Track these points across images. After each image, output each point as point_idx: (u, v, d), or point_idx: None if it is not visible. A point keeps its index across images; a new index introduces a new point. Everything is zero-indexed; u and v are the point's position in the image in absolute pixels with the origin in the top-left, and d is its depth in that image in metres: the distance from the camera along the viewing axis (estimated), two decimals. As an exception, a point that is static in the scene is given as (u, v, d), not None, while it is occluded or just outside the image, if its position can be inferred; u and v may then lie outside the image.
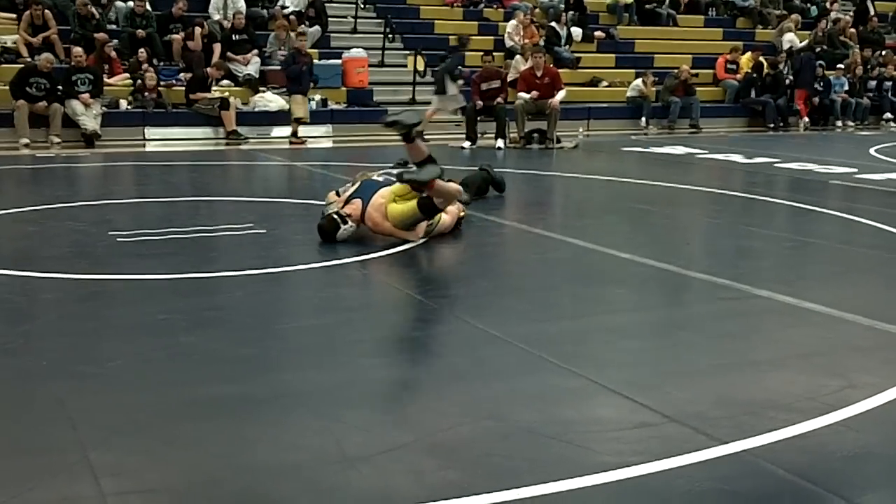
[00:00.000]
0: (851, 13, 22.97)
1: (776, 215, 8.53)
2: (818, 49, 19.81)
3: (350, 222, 6.47)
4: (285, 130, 14.72)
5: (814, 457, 3.17)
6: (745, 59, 18.99)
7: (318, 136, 15.06)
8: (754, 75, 18.50)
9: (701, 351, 4.37)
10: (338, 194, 7.00)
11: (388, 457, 3.09)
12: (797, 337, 4.60)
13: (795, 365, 4.14)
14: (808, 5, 22.75)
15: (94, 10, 15.17)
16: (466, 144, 13.86)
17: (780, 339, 4.60)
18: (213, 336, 4.46)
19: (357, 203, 6.58)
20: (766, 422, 3.39)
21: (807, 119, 18.27)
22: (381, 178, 6.85)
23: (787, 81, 18.81)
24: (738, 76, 18.77)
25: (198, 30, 15.27)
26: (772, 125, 17.98)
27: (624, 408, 3.55)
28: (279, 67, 15.52)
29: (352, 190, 6.77)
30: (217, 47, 15.41)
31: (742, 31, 21.44)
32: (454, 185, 6.77)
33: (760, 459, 3.10)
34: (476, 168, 8.94)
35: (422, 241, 6.51)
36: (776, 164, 11.90)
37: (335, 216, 6.50)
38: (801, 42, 20.48)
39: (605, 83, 18.07)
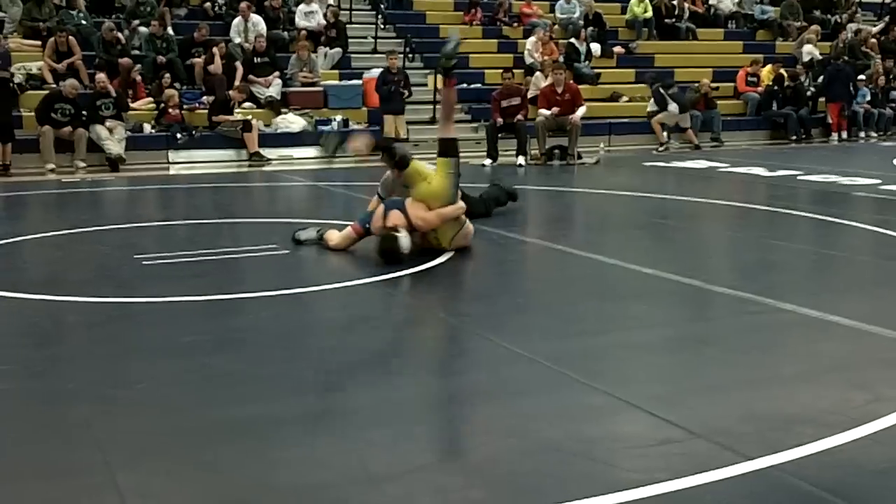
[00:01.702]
0: (876, 23, 22.85)
1: (800, 228, 8.48)
2: (840, 60, 19.75)
3: (402, 230, 6.50)
4: (307, 151, 14.82)
5: (841, 472, 3.14)
6: (766, 72, 18.94)
7: (340, 157, 15.11)
8: (775, 87, 18.45)
9: (726, 366, 4.35)
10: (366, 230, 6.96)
11: (413, 476, 3.09)
12: (823, 351, 4.58)
13: (822, 379, 4.12)
14: (829, 17, 22.64)
15: (119, 35, 15.36)
16: (487, 162, 13.88)
17: (805, 353, 4.57)
18: (238, 357, 4.48)
19: (396, 213, 6.61)
20: (793, 437, 3.37)
21: (841, 133, 18.23)
22: (395, 198, 6.92)
23: (809, 93, 18.79)
24: (759, 89, 18.71)
25: (216, 51, 15.40)
26: (794, 137, 17.92)
27: (649, 424, 3.54)
28: (300, 88, 15.68)
29: (380, 211, 6.76)
30: (239, 70, 15.53)
31: (762, 43, 21.37)
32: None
33: (787, 475, 3.08)
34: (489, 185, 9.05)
35: (444, 258, 6.51)
36: (799, 177, 11.84)
37: (390, 233, 6.48)
38: (820, 54, 20.42)
39: (625, 98, 18.06)
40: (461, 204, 6.77)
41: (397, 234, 6.43)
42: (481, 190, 8.76)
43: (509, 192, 8.88)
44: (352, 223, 6.95)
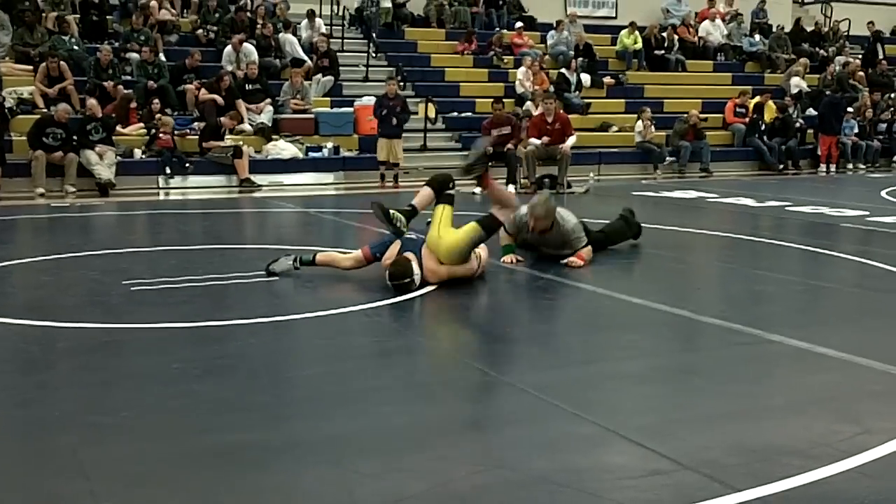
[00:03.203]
0: (860, 57, 23.10)
1: (788, 259, 8.52)
2: (828, 92, 19.95)
3: (416, 267, 6.47)
4: (298, 178, 14.86)
5: (829, 504, 3.15)
6: (753, 102, 19.10)
7: (330, 183, 15.17)
8: (755, 116, 18.60)
9: (714, 397, 4.36)
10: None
11: (401, 506, 3.08)
12: (811, 382, 4.59)
13: (810, 411, 4.12)
14: (818, 50, 22.86)
15: (114, 59, 15.39)
16: (478, 190, 13.88)
17: (793, 385, 4.58)
18: (226, 384, 4.47)
19: (412, 256, 6.55)
20: (781, 468, 3.37)
21: (830, 165, 18.38)
22: (413, 235, 6.85)
23: (798, 125, 18.96)
24: (747, 120, 18.87)
25: (224, 83, 15.43)
26: (781, 167, 18.06)
27: (637, 455, 3.54)
28: (292, 115, 15.75)
29: (396, 248, 6.70)
30: (240, 105, 15.54)
31: (751, 75, 21.56)
32: (507, 190, 6.83)
33: (775, 507, 3.08)
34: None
35: (431, 287, 6.51)
36: (787, 208, 11.91)
37: (406, 259, 6.46)
38: (808, 86, 20.61)
39: (615, 128, 18.17)
40: (473, 265, 6.71)
41: (412, 262, 6.44)
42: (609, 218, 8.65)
43: (635, 230, 8.61)
44: (362, 247, 6.97)
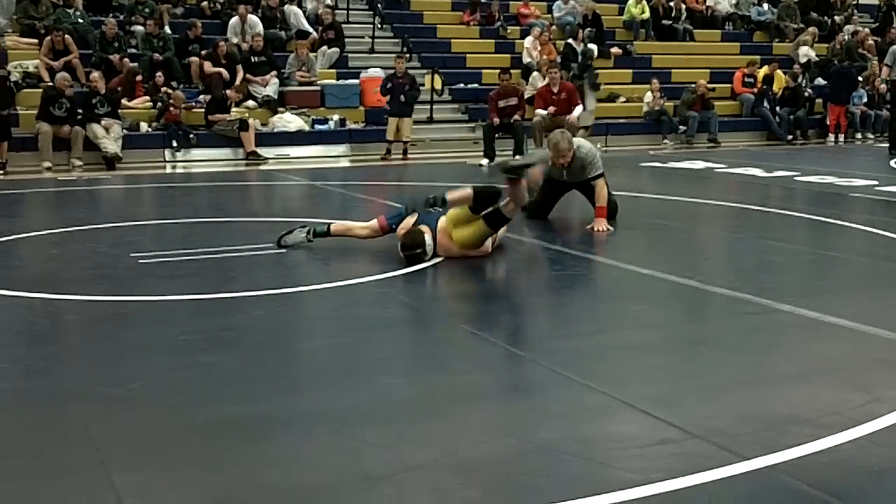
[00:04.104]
0: (870, 26, 22.90)
1: (797, 229, 8.48)
2: (837, 61, 19.80)
3: (429, 239, 6.45)
4: (304, 150, 14.84)
5: (839, 472, 3.14)
6: (763, 73, 18.98)
7: (336, 156, 15.13)
8: (764, 86, 18.49)
9: (723, 366, 4.35)
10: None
11: (410, 476, 3.08)
12: (820, 351, 4.57)
13: (819, 380, 4.12)
14: (826, 19, 22.67)
15: (118, 31, 15.35)
16: (484, 162, 13.88)
17: (802, 354, 4.57)
18: (234, 356, 4.47)
19: (426, 228, 6.51)
20: (790, 437, 3.37)
21: (837, 135, 18.24)
22: (431, 209, 6.77)
23: (807, 94, 18.84)
24: (756, 90, 18.76)
25: (219, 50, 15.37)
26: (791, 138, 17.98)
27: (645, 424, 3.54)
28: (298, 88, 15.71)
29: (412, 220, 6.64)
30: (240, 71, 15.49)
31: (759, 44, 21.41)
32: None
33: (784, 475, 3.08)
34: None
35: (440, 259, 6.50)
36: (796, 178, 11.85)
37: (419, 230, 6.44)
38: (816, 55, 20.46)
39: (622, 99, 18.08)
40: (486, 247, 6.67)
41: (425, 234, 6.42)
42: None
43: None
44: (378, 217, 6.95)
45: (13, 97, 13.94)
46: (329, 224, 7.15)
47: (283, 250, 6.90)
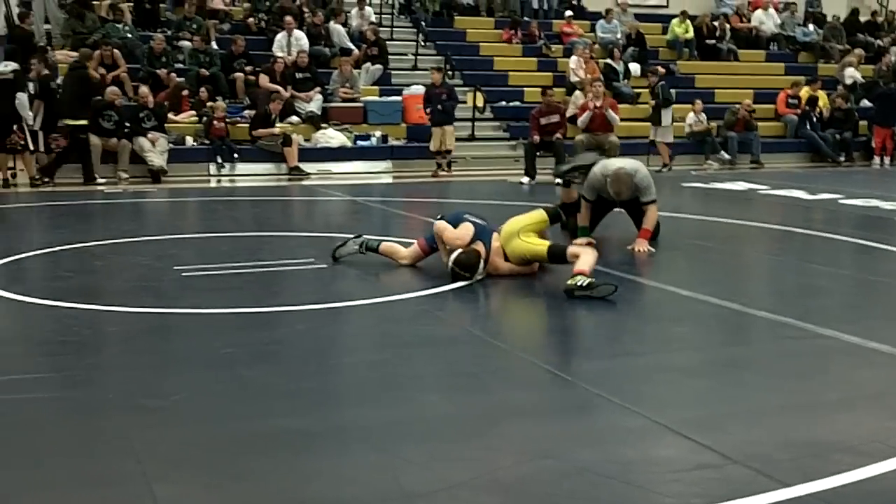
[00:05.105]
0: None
1: (841, 253, 8.39)
2: (883, 83, 19.58)
3: (481, 267, 6.46)
4: (346, 166, 14.95)
5: (881, 501, 3.10)
6: (804, 93, 18.80)
7: (378, 172, 15.22)
8: (807, 108, 18.32)
9: (764, 391, 4.31)
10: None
11: (447, 494, 3.09)
12: (863, 378, 4.52)
13: (862, 406, 4.06)
14: (873, 40, 22.43)
15: (166, 47, 15.58)
16: (525, 180, 13.89)
17: (845, 380, 4.52)
18: (274, 370, 4.51)
19: (481, 245, 6.52)
20: (832, 465, 3.33)
21: (882, 158, 18.00)
22: (483, 222, 6.79)
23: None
24: (800, 111, 18.58)
25: (279, 66, 15.54)
26: (842, 159, 17.79)
27: (685, 448, 3.51)
28: (341, 104, 15.85)
29: (470, 230, 6.60)
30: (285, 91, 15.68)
31: (804, 65, 21.22)
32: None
33: (825, 503, 3.05)
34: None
35: (481, 276, 6.50)
36: (840, 201, 11.72)
37: (477, 259, 6.43)
38: (862, 77, 20.24)
39: (678, 117, 17.97)
40: (534, 268, 6.71)
41: (481, 260, 6.44)
42: None
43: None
44: (417, 240, 6.98)
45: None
46: (380, 241, 7.19)
47: (323, 266, 6.95)
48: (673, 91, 16.30)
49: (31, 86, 13.13)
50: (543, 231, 6.84)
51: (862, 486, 3.19)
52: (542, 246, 6.56)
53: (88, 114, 13.28)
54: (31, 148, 12.78)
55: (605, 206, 8.30)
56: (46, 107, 13.24)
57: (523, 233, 6.63)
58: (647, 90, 16.43)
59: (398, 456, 3.40)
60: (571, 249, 6.43)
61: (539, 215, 6.84)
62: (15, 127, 12.51)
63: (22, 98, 12.52)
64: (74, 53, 15.60)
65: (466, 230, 6.61)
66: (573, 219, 7.79)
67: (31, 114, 12.73)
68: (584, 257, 6.22)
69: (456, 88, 16.02)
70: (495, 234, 6.64)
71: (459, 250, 6.46)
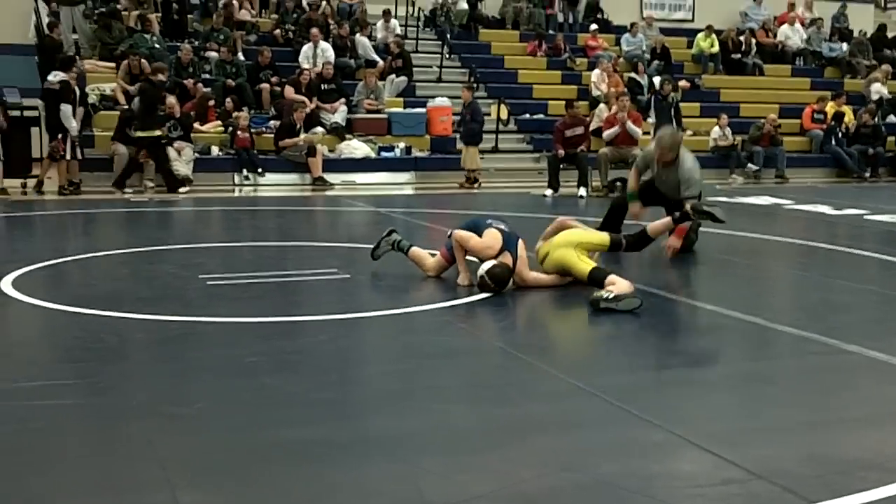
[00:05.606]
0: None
1: (866, 268, 8.32)
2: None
3: (510, 283, 6.49)
4: (370, 177, 15.01)
5: (907, 519, 3.07)
6: (829, 108, 18.71)
7: (401, 183, 15.26)
8: (832, 123, 18.22)
9: (788, 406, 4.28)
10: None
11: (469, 506, 3.08)
12: (889, 394, 4.48)
13: (888, 423, 4.03)
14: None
15: (193, 57, 15.71)
16: (549, 192, 13.88)
17: (871, 396, 4.48)
18: (297, 379, 4.52)
19: (509, 257, 6.49)
20: (857, 482, 3.30)
21: None
22: (503, 226, 6.71)
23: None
24: (825, 126, 18.50)
25: (304, 78, 15.64)
26: (868, 174, 17.68)
27: (708, 463, 3.50)
28: (365, 115, 15.92)
29: (498, 238, 6.54)
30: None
31: (830, 81, 21.13)
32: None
33: (851, 520, 3.02)
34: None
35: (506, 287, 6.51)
36: (865, 216, 11.64)
37: (508, 274, 6.44)
38: (888, 93, 20.12)
39: (689, 132, 17.95)
40: (560, 280, 6.69)
41: (511, 271, 6.44)
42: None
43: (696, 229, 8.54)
44: (439, 250, 6.95)
45: (90, 119, 14.26)
46: (410, 245, 7.17)
47: (346, 276, 6.98)
48: (697, 104, 16.25)
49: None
50: (595, 252, 6.86)
51: (887, 503, 3.16)
52: (587, 265, 6.54)
53: (158, 126, 13.45)
54: (69, 157, 12.89)
55: (651, 195, 8.36)
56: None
57: (580, 248, 6.62)
58: (664, 100, 16.36)
59: (420, 467, 3.40)
60: (611, 277, 6.34)
61: (601, 238, 6.92)
62: (59, 136, 12.66)
63: (66, 109, 12.64)
64: (102, 63, 15.79)
65: (495, 239, 6.54)
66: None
67: (75, 124, 12.85)
68: (620, 284, 6.19)
69: (480, 101, 16.03)
70: (521, 243, 6.62)
71: (493, 262, 6.40)
